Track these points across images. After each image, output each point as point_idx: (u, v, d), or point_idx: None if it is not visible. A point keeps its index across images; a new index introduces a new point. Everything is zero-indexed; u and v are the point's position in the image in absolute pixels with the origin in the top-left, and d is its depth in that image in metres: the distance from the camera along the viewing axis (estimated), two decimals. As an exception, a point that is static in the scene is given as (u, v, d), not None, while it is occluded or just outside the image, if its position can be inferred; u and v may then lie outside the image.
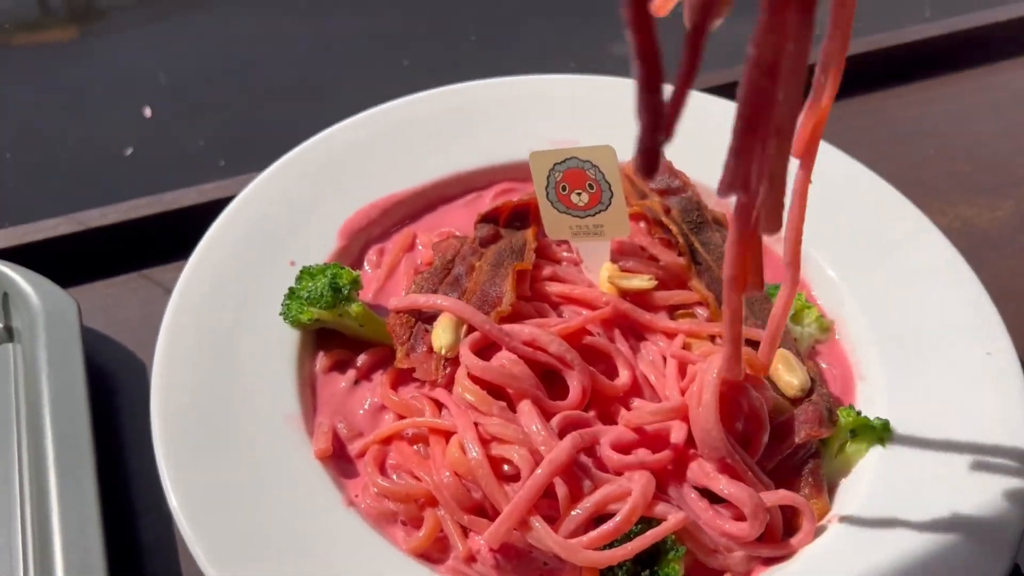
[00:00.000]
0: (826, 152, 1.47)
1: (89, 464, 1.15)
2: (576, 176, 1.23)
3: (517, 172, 1.45)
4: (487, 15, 2.41)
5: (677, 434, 1.05)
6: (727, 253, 0.87)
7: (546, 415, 1.11)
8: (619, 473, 1.08)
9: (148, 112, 2.07)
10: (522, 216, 1.35)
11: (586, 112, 1.54)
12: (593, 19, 2.28)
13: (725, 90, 1.62)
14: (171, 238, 1.49)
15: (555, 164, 1.21)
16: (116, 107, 2.08)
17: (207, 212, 1.44)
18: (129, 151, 2.02)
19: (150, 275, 1.51)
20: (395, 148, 1.48)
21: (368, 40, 2.31)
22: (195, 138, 2.01)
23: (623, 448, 1.10)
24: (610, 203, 1.23)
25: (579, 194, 1.23)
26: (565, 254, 1.36)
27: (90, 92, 2.14)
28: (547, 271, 1.26)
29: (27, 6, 2.44)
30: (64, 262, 1.46)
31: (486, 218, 1.32)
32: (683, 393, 1.17)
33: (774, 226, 0.72)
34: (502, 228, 1.33)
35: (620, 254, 1.35)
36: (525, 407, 1.10)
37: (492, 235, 1.31)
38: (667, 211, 1.35)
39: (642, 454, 1.09)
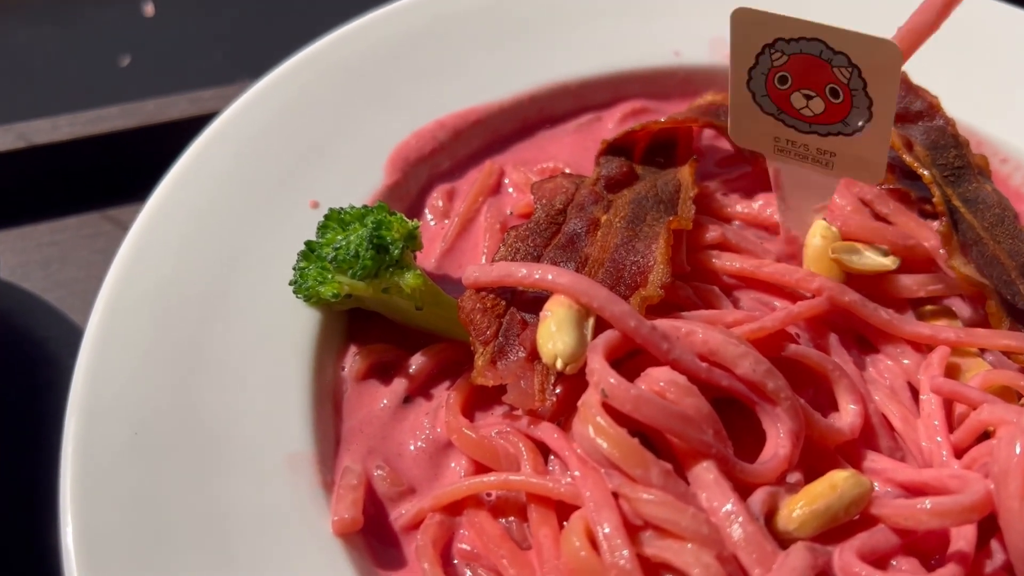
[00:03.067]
0: None
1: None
2: (813, 70, 0.75)
3: (656, 85, 1.09)
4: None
5: (964, 539, 0.68)
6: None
7: (737, 486, 0.66)
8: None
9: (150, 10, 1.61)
10: (667, 148, 1.00)
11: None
12: None
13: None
14: (152, 165, 1.06)
15: (778, 40, 0.72)
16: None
17: (203, 131, 1.00)
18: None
19: (116, 216, 1.08)
20: (471, 42, 1.05)
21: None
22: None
23: (878, 558, 0.65)
24: (863, 128, 0.72)
25: (810, 97, 0.74)
26: (739, 208, 0.87)
27: None
28: (712, 234, 0.91)
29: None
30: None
31: (615, 148, 0.97)
32: (959, 454, 0.74)
33: None
34: (638, 165, 0.97)
35: (829, 211, 0.85)
36: (707, 475, 0.65)
37: (625, 174, 0.95)
38: (909, 147, 0.85)
39: (913, 571, 0.65)
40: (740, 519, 0.62)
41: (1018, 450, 0.63)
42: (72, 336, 1.00)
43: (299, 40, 1.06)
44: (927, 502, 0.65)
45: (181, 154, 0.91)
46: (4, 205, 1.08)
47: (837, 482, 0.67)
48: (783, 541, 0.66)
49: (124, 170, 1.11)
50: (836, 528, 0.68)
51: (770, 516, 0.66)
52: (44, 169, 1.10)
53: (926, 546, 0.68)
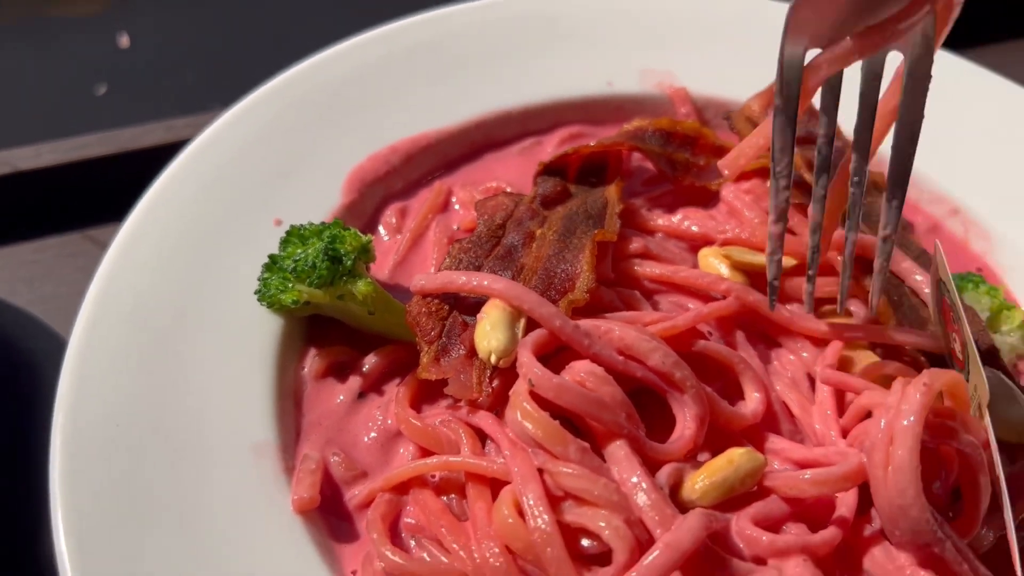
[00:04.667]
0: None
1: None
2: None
3: (591, 111, 1.17)
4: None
5: (846, 506, 0.77)
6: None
7: (647, 463, 0.75)
8: (762, 561, 0.69)
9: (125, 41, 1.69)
10: (599, 169, 1.09)
11: (689, 37, 1.18)
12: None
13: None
14: (128, 189, 1.13)
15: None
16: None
17: (175, 155, 1.08)
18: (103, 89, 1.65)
19: (96, 236, 1.15)
20: (423, 74, 1.13)
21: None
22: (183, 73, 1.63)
23: (770, 524, 0.72)
24: None
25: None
26: (660, 221, 0.97)
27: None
28: (636, 245, 0.99)
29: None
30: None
31: (550, 169, 1.05)
32: (844, 435, 0.84)
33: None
34: (572, 184, 1.06)
35: (738, 223, 0.96)
36: (620, 452, 0.73)
37: (559, 193, 1.04)
38: (810, 166, 0.95)
39: (799, 534, 0.71)
40: (644, 487, 0.71)
41: (882, 426, 0.73)
42: (55, 346, 1.07)
43: (266, 71, 1.14)
44: (807, 473, 0.75)
45: (156, 178, 1.00)
46: (-9, 226, 1.15)
47: (734, 457, 0.76)
48: (687, 509, 0.75)
49: (103, 193, 1.17)
50: (735, 498, 0.77)
51: (676, 488, 0.75)
52: (28, 193, 1.18)
53: (815, 514, 0.77)
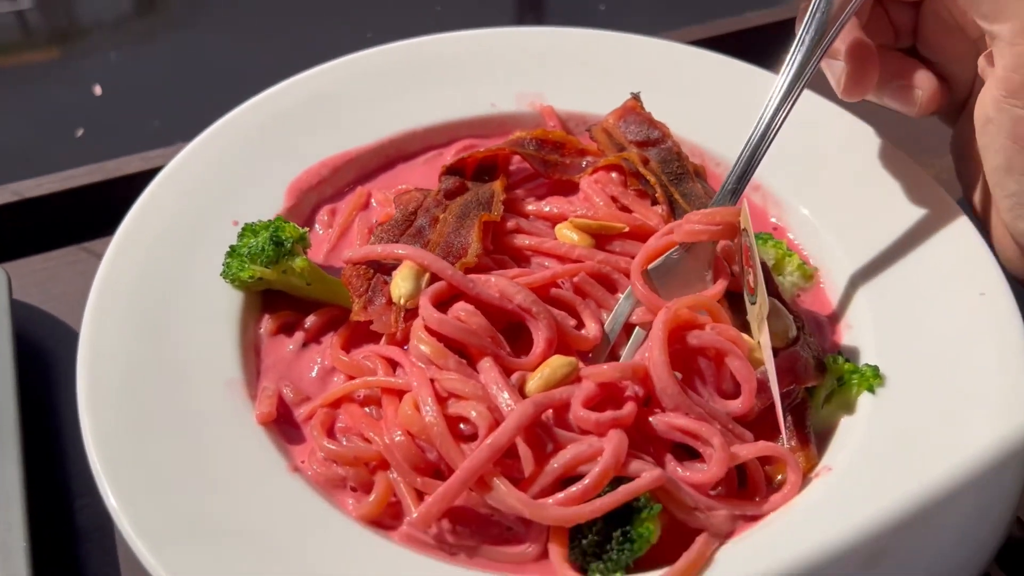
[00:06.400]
0: (813, 101, 1.40)
1: (13, 444, 1.08)
2: None
3: (480, 128, 1.45)
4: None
5: (633, 390, 1.02)
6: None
7: (508, 372, 1.04)
8: (587, 432, 0.99)
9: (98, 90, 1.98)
10: (489, 169, 1.36)
11: (553, 66, 1.47)
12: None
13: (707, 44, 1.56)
14: (113, 208, 1.41)
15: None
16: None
17: (152, 180, 1.36)
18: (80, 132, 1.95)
19: (91, 248, 1.44)
20: (349, 103, 1.42)
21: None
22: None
23: (591, 405, 1.01)
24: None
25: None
26: (531, 207, 1.27)
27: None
28: (511, 224, 1.24)
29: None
30: (-4, 234, 1.38)
31: (452, 170, 1.29)
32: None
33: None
34: (469, 181, 1.30)
35: (590, 206, 1.26)
36: (486, 364, 1.02)
37: (458, 187, 1.28)
38: (645, 162, 1.27)
39: (611, 412, 1.00)
40: (499, 384, 0.98)
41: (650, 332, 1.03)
42: (63, 332, 1.31)
43: (219, 111, 1.42)
44: (605, 366, 1.01)
45: (138, 197, 1.27)
46: (6, 244, 1.41)
47: (551, 362, 1.02)
48: (528, 398, 1.03)
49: (94, 213, 1.42)
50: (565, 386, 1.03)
51: (522, 387, 1.02)
52: (33, 215, 1.45)
53: (616, 396, 1.04)
